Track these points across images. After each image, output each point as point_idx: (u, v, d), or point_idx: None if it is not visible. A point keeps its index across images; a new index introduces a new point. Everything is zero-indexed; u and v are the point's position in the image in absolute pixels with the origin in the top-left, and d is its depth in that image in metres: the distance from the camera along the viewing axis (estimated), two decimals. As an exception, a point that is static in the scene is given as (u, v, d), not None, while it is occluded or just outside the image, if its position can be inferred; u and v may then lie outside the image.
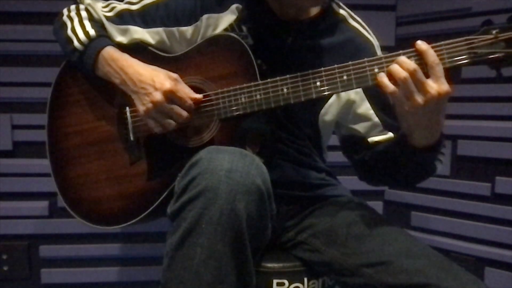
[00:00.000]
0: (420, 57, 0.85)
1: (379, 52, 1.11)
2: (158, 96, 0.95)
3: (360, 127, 1.09)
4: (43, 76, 1.57)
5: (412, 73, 0.83)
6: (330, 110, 1.09)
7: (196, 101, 0.98)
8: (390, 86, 0.85)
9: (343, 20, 1.10)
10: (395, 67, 0.85)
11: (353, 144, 1.12)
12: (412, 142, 0.93)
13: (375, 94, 1.08)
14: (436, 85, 0.83)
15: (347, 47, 1.07)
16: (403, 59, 0.85)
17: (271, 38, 1.05)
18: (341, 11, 1.10)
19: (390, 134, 1.07)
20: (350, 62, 0.90)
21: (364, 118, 1.08)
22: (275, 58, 1.03)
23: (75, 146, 1.12)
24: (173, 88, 0.96)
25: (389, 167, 1.02)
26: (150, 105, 0.97)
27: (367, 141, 1.09)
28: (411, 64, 0.84)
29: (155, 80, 0.97)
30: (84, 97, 1.12)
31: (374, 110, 1.08)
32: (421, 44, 0.85)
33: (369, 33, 1.11)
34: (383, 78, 0.86)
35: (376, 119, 1.08)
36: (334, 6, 1.09)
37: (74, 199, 1.12)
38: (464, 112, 1.54)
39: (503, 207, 1.48)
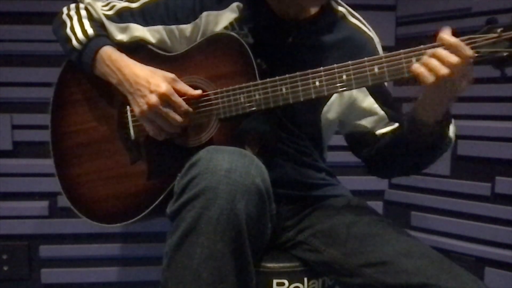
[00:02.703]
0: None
1: (379, 47, 1.11)
2: (153, 98, 0.95)
3: (367, 122, 1.09)
4: (43, 76, 1.57)
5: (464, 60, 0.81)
6: (332, 108, 1.08)
7: (195, 97, 0.98)
8: (430, 77, 0.82)
9: (343, 17, 1.10)
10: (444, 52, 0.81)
11: (360, 139, 1.11)
12: (423, 119, 0.91)
13: (377, 89, 1.07)
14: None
15: (348, 44, 1.07)
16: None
17: (271, 37, 1.05)
18: (340, 8, 1.10)
19: (396, 124, 1.07)
20: (349, 62, 0.90)
21: (369, 112, 1.08)
22: (275, 57, 1.03)
23: (77, 145, 1.13)
24: (168, 91, 0.96)
25: (401, 153, 1.01)
26: (145, 107, 0.97)
27: (375, 134, 1.08)
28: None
29: (151, 82, 0.97)
30: (86, 96, 1.12)
31: (378, 104, 1.08)
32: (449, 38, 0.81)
33: (369, 29, 1.11)
34: (421, 69, 0.83)
35: (381, 112, 1.08)
36: (333, 3, 1.09)
37: (76, 197, 1.12)
38: (464, 112, 1.54)
39: (503, 207, 1.48)
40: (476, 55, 0.82)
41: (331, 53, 1.06)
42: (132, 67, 1.01)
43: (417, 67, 0.83)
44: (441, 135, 0.95)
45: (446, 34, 0.82)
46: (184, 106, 0.97)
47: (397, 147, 1.02)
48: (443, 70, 0.81)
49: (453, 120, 0.97)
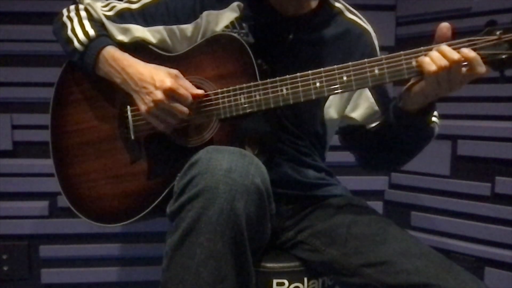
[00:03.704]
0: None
1: (376, 42, 1.13)
2: (159, 94, 0.96)
3: (360, 115, 1.10)
4: (43, 76, 1.57)
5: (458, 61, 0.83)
6: (334, 102, 1.09)
7: (198, 97, 0.98)
8: (433, 65, 0.84)
9: (340, 13, 1.11)
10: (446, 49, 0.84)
11: (352, 131, 1.14)
12: (407, 109, 0.95)
13: None
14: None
15: (346, 38, 1.08)
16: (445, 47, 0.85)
17: (272, 35, 1.05)
18: (337, 5, 1.11)
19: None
20: (350, 63, 0.90)
21: (364, 106, 1.10)
22: (277, 55, 1.04)
23: (77, 144, 1.13)
24: (173, 85, 0.96)
25: (387, 143, 1.04)
26: (151, 104, 0.97)
27: (365, 127, 1.11)
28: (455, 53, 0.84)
29: (155, 79, 0.97)
30: (86, 96, 1.12)
31: (375, 100, 1.09)
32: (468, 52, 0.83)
33: (366, 24, 1.13)
34: (425, 59, 0.86)
35: (376, 108, 1.09)
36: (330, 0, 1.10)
37: (76, 197, 1.13)
38: (464, 112, 1.54)
39: (503, 207, 1.48)
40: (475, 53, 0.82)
41: (331, 47, 1.07)
42: (135, 65, 1.01)
43: (422, 57, 0.86)
44: (423, 122, 0.97)
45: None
46: (190, 98, 0.97)
47: (382, 137, 1.04)
48: (443, 61, 0.83)
49: (436, 113, 1.00)
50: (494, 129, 1.49)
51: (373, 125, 1.10)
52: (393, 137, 1.02)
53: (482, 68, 0.83)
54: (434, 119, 1.00)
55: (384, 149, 1.07)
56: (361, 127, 1.11)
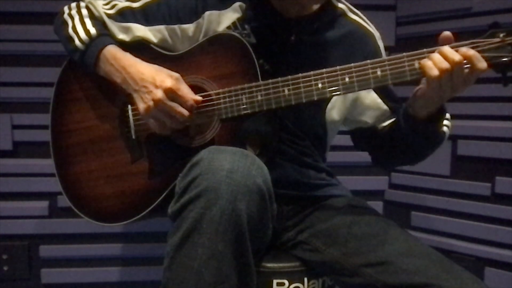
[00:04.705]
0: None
1: (380, 43, 1.12)
2: (159, 94, 0.95)
3: (370, 117, 1.11)
4: (43, 76, 1.57)
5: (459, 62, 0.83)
6: (336, 105, 1.09)
7: (196, 103, 0.98)
8: (435, 70, 0.84)
9: (343, 14, 1.11)
10: (448, 50, 0.84)
11: (364, 133, 1.14)
12: (416, 115, 0.95)
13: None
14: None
15: (349, 39, 1.08)
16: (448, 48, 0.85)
17: (274, 36, 1.05)
18: (340, 5, 1.11)
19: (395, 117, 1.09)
20: (352, 64, 0.90)
21: (372, 108, 1.10)
22: (278, 56, 1.04)
23: (78, 143, 1.12)
24: (174, 86, 0.95)
25: (399, 145, 1.04)
26: (151, 103, 0.96)
27: (377, 128, 1.11)
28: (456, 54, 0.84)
29: (156, 78, 0.96)
30: (87, 95, 1.12)
31: (382, 99, 1.09)
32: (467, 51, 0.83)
33: (369, 25, 1.12)
34: (427, 62, 0.86)
35: (384, 107, 1.10)
36: (333, 0, 1.10)
37: (77, 196, 1.12)
38: (464, 112, 1.54)
39: (503, 207, 1.48)
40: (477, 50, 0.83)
41: (333, 49, 1.06)
42: (137, 65, 1.01)
43: (424, 60, 0.86)
44: (434, 128, 0.97)
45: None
46: (190, 100, 0.97)
47: (394, 140, 1.05)
48: (444, 64, 0.83)
49: (448, 116, 1.00)
50: (494, 129, 1.49)
51: (384, 124, 1.10)
52: (404, 141, 1.02)
53: (483, 64, 0.83)
54: (445, 122, 1.00)
55: (396, 151, 1.07)
56: (372, 128, 1.11)
